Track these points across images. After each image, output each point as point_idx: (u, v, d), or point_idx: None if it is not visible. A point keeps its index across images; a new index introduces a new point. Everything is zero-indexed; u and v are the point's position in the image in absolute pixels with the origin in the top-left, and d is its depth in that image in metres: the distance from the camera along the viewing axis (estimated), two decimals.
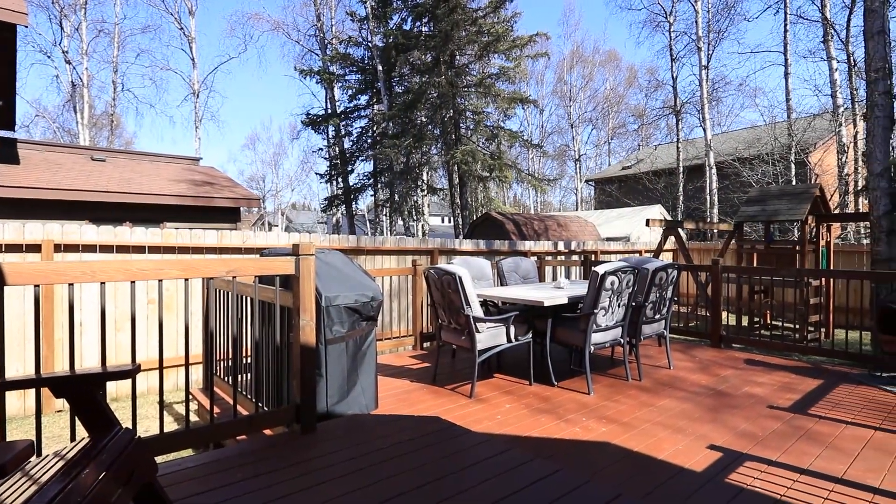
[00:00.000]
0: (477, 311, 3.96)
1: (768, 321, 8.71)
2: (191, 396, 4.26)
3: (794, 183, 16.14)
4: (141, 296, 5.25)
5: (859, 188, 14.06)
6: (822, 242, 8.26)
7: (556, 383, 4.22)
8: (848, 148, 15.76)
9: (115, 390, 5.13)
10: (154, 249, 5.31)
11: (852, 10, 15.68)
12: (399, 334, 6.17)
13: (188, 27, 23.38)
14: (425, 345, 5.81)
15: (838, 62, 16.10)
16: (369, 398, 3.38)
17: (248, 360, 3.33)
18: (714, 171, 18.70)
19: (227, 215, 10.17)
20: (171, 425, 4.36)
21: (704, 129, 19.30)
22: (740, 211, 8.69)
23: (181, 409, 4.82)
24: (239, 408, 2.89)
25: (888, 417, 3.47)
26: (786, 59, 18.18)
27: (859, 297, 7.47)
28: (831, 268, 8.40)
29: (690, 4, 19.99)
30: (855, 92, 15.73)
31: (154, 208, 9.21)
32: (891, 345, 3.98)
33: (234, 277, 2.76)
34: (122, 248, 5.16)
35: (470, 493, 2.18)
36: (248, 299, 3.20)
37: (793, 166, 16.52)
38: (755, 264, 8.62)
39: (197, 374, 5.19)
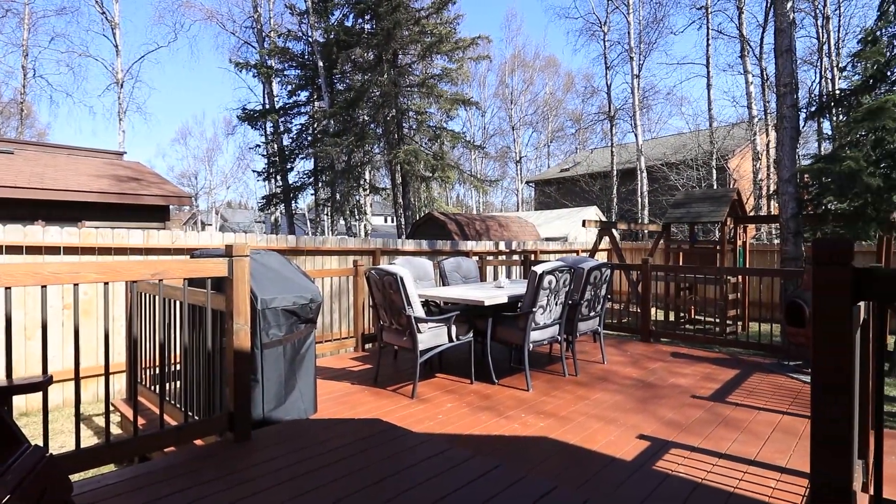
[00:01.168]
0: (418, 311, 3.97)
1: (692, 316, 9.30)
2: (113, 408, 3.98)
3: (715, 187, 17.34)
4: (55, 301, 4.84)
5: (771, 192, 15.31)
6: (740, 242, 8.93)
7: (496, 381, 4.29)
8: (761, 155, 17.13)
9: (26, 404, 4.71)
10: (71, 250, 4.92)
11: (765, 29, 17.06)
12: (340, 336, 6.06)
13: (111, 11, 21.79)
14: (367, 346, 5.74)
15: (753, 76, 17.45)
16: (308, 402, 3.29)
17: (177, 368, 3.15)
18: (645, 174, 19.71)
19: (155, 214, 9.59)
20: (90, 440, 4.06)
21: (636, 135, 20.30)
22: (668, 213, 9.22)
23: (101, 421, 4.50)
24: (167, 418, 2.74)
25: (794, 402, 3.81)
26: (708, 72, 19.49)
27: (770, 293, 8.15)
28: (747, 266, 9.10)
29: (623, 16, 20.96)
30: (767, 104, 17.13)
31: (72, 206, 8.51)
32: (796, 336, 4.36)
33: (160, 280, 2.61)
34: (34, 250, 4.74)
35: (411, 494, 2.18)
36: (178, 303, 3.04)
37: (714, 171, 17.73)
38: (681, 263, 9.18)
39: (120, 383, 4.86)
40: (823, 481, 1.29)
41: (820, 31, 17.29)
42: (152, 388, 3.57)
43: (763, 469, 2.68)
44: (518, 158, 35.04)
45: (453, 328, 4.15)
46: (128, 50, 47.25)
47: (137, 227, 6.67)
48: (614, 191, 21.87)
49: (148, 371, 3.68)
